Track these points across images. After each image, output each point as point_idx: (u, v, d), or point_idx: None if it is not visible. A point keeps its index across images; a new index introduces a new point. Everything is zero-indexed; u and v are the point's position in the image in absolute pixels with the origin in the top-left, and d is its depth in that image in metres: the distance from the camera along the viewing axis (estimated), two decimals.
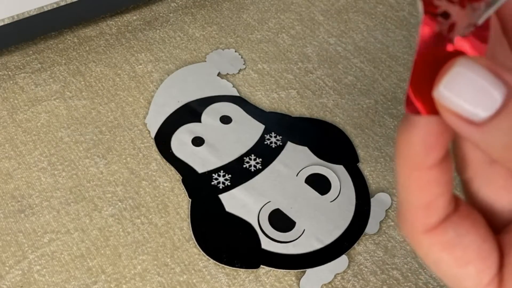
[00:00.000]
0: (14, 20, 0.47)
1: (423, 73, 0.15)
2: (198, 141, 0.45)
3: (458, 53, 0.15)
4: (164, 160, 0.44)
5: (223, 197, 0.42)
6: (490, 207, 0.18)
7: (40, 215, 0.41)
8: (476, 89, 0.14)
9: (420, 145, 0.16)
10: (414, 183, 0.16)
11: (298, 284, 0.38)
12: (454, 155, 0.18)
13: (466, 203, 0.18)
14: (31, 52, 0.51)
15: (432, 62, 0.15)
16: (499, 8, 0.16)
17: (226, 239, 0.40)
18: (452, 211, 0.17)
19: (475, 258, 0.17)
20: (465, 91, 0.14)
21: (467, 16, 0.15)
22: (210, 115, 0.46)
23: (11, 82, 0.49)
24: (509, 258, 0.17)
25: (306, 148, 0.44)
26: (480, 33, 0.15)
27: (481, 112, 0.14)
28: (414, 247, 0.17)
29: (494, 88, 0.14)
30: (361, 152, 0.45)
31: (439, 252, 0.17)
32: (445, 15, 0.15)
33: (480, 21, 0.15)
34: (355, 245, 0.40)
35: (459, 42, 0.15)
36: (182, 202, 0.42)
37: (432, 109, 0.15)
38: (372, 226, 0.40)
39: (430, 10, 0.15)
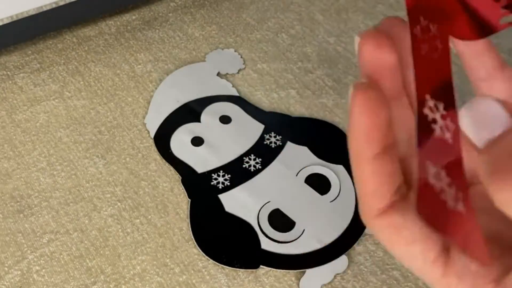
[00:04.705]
0: (13, 20, 0.47)
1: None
2: (197, 141, 0.45)
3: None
4: (164, 160, 0.44)
5: (222, 197, 0.41)
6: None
7: (39, 215, 0.41)
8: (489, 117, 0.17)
9: (361, 138, 0.19)
10: (361, 173, 0.19)
11: (298, 285, 0.38)
12: None
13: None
14: (30, 52, 0.51)
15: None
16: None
17: (225, 239, 0.40)
18: (400, 198, 0.20)
19: (419, 238, 0.19)
20: (481, 119, 0.17)
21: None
22: (210, 115, 0.46)
23: (10, 82, 0.49)
24: None
25: (305, 148, 0.44)
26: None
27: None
28: (371, 230, 0.20)
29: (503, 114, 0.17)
30: None
31: (389, 233, 0.19)
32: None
33: None
34: (355, 245, 0.39)
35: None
36: (181, 202, 0.42)
37: None
38: None
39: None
